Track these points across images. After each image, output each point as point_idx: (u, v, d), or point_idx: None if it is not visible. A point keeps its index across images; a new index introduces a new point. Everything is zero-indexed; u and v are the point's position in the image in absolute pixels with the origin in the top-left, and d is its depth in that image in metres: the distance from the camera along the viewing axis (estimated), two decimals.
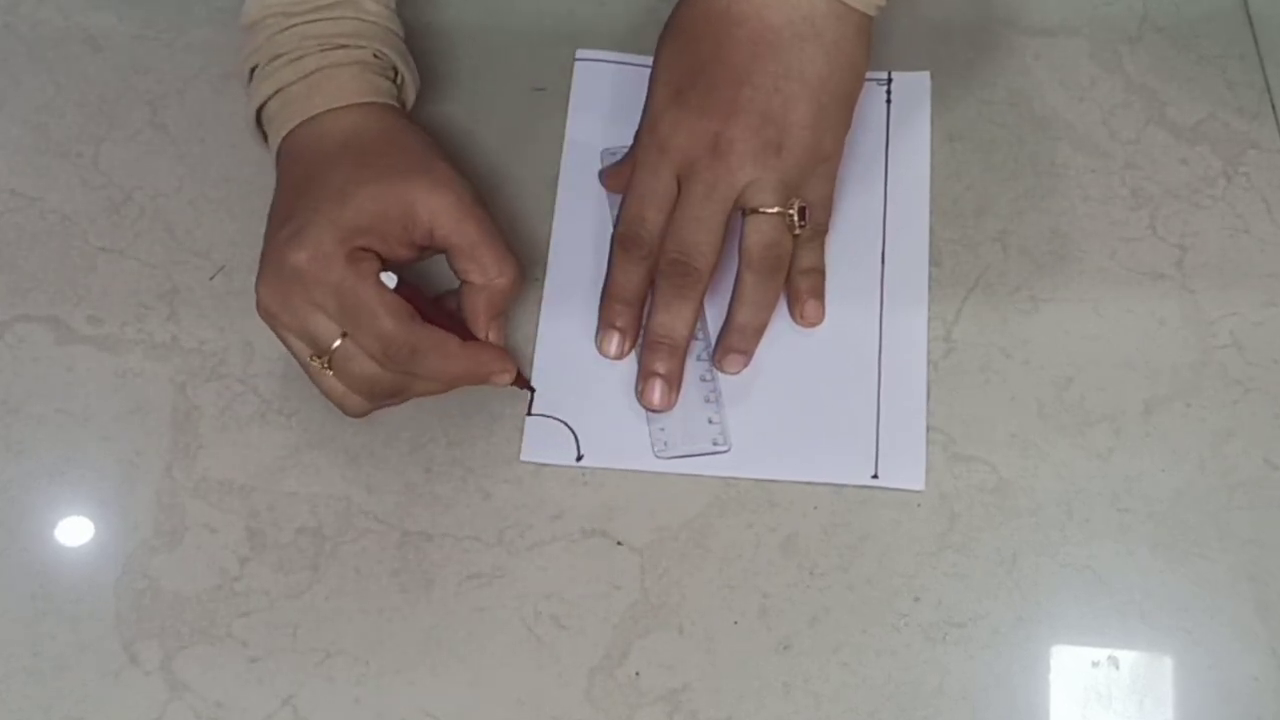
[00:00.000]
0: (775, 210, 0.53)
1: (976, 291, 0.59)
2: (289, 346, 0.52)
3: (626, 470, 0.55)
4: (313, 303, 0.50)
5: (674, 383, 0.55)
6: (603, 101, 0.63)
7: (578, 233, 0.60)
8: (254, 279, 0.52)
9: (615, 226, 0.56)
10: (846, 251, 0.59)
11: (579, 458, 0.56)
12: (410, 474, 0.56)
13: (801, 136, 0.53)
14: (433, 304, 0.53)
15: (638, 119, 0.56)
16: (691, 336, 0.55)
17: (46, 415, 0.57)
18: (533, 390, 0.56)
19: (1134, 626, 0.53)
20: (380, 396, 0.53)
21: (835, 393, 0.57)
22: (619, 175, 0.58)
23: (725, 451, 0.55)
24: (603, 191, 0.60)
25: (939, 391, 0.57)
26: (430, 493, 0.55)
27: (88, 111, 0.63)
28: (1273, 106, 0.63)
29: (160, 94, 0.64)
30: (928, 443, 0.56)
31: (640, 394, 0.55)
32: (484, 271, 0.52)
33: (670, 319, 0.54)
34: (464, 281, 0.53)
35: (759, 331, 0.56)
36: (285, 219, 0.52)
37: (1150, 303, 0.59)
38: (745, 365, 0.56)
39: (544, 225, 0.60)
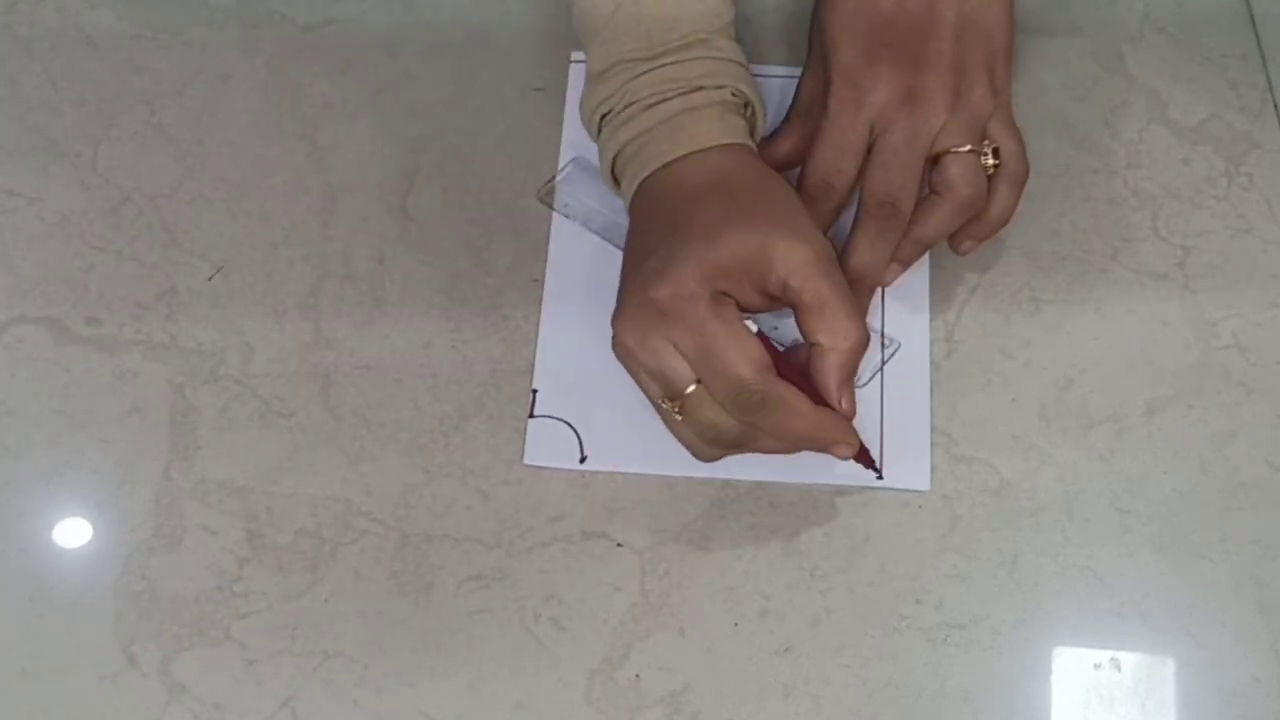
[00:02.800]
0: (968, 149, 0.54)
1: (978, 292, 0.59)
2: (641, 385, 0.52)
3: (627, 472, 0.55)
4: (670, 342, 0.50)
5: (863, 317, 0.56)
6: None
7: (577, 233, 0.60)
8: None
9: (801, 178, 0.57)
10: None
11: (583, 459, 0.55)
12: (410, 476, 0.55)
13: (980, 81, 0.55)
14: (783, 358, 0.52)
15: None
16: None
17: (44, 416, 0.57)
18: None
19: (1135, 628, 0.52)
20: (724, 446, 0.52)
21: None
22: (779, 145, 0.59)
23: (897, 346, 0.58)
24: (602, 191, 0.60)
25: (941, 393, 0.57)
26: (430, 494, 0.55)
27: (86, 111, 0.63)
28: (1275, 106, 0.63)
29: (158, 94, 0.64)
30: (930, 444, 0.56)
31: None
32: (832, 333, 0.51)
33: (873, 258, 0.56)
34: (812, 343, 0.52)
35: (925, 251, 0.58)
36: (647, 256, 0.52)
37: (1152, 303, 0.59)
38: (899, 275, 0.58)
39: (544, 225, 0.60)
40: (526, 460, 0.55)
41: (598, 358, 0.57)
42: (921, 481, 0.55)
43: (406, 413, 0.56)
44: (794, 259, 0.51)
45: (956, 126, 0.54)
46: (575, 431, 0.56)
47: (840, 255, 0.56)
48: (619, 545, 0.54)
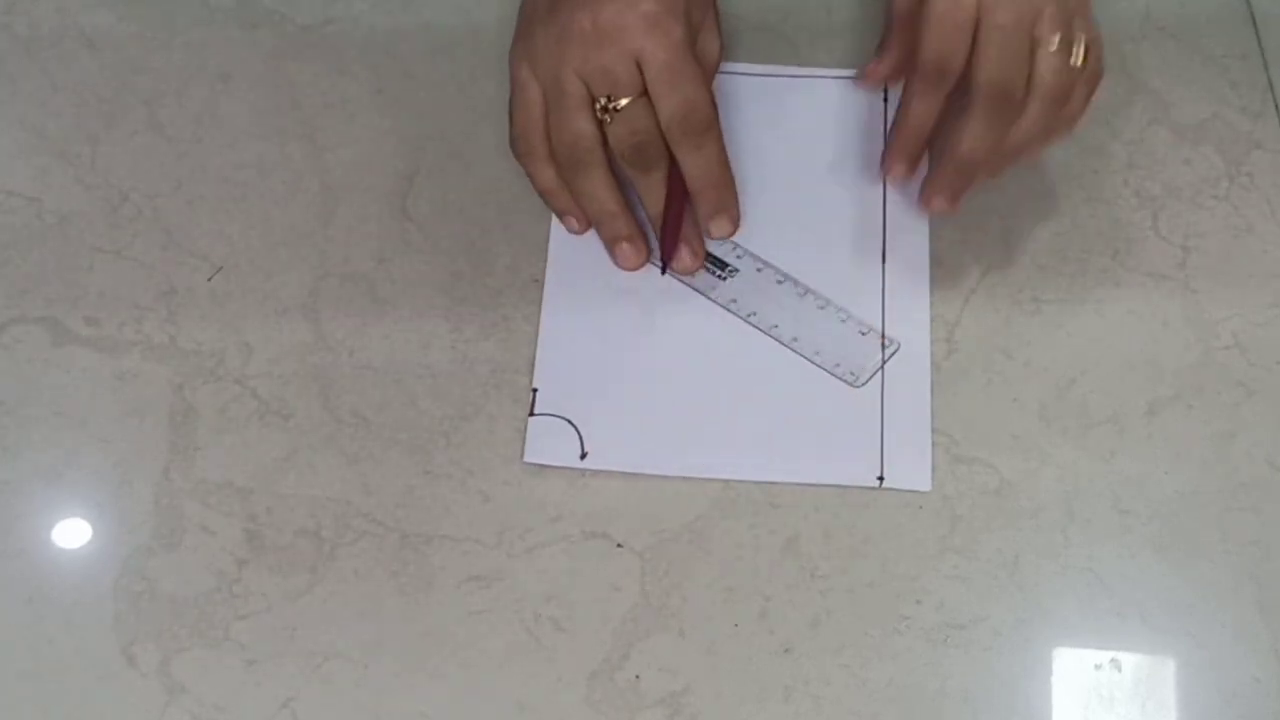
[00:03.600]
0: (1059, 41, 0.53)
1: (978, 293, 0.59)
2: (561, 87, 0.54)
3: (627, 472, 0.55)
4: (633, 49, 0.52)
5: (960, 199, 0.57)
6: None
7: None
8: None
9: (912, 69, 0.56)
10: (847, 251, 0.59)
11: (583, 456, 0.55)
12: (409, 476, 0.55)
13: None
14: (677, 177, 0.56)
15: None
16: None
17: (43, 417, 0.56)
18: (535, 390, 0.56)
19: (1136, 629, 0.52)
20: (633, 163, 0.55)
21: (839, 394, 0.56)
22: (883, 61, 0.59)
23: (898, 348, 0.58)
24: None
25: (941, 393, 0.57)
26: (429, 495, 0.55)
27: (85, 111, 0.63)
28: (1276, 106, 0.63)
29: (158, 94, 0.64)
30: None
31: (927, 200, 0.57)
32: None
33: (984, 145, 0.55)
34: None
35: (1013, 164, 0.56)
36: None
37: (1153, 303, 0.58)
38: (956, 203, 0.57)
39: (543, 224, 0.60)
40: (527, 458, 0.55)
41: (598, 358, 0.57)
42: (922, 482, 0.55)
43: (406, 413, 0.56)
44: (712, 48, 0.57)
45: (1054, 15, 0.53)
46: (575, 428, 0.56)
47: (948, 141, 0.55)
48: (619, 545, 0.54)
